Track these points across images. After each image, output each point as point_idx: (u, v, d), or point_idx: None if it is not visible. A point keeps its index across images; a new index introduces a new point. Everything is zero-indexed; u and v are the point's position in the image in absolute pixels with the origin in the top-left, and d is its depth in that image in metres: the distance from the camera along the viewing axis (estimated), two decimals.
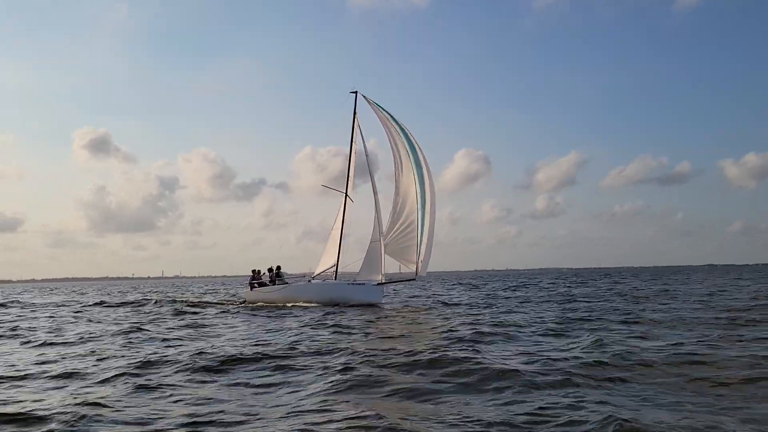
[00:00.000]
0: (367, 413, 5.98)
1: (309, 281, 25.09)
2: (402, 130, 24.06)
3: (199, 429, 5.69)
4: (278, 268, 25.77)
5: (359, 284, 23.18)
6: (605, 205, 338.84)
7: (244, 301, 26.57)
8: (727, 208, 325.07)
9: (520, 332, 12.73)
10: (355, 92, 25.98)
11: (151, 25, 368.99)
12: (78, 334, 14.73)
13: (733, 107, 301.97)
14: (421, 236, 22.79)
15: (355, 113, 26.06)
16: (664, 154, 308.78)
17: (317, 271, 25.58)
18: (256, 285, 25.90)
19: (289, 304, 23.73)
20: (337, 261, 24.76)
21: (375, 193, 24.13)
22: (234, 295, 35.41)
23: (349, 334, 13.20)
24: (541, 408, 6.17)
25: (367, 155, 24.99)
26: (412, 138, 23.93)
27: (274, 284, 25.18)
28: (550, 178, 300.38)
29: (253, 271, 26.32)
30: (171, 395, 7.18)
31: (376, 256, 23.75)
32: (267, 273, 25.84)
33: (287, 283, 25.10)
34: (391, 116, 24.50)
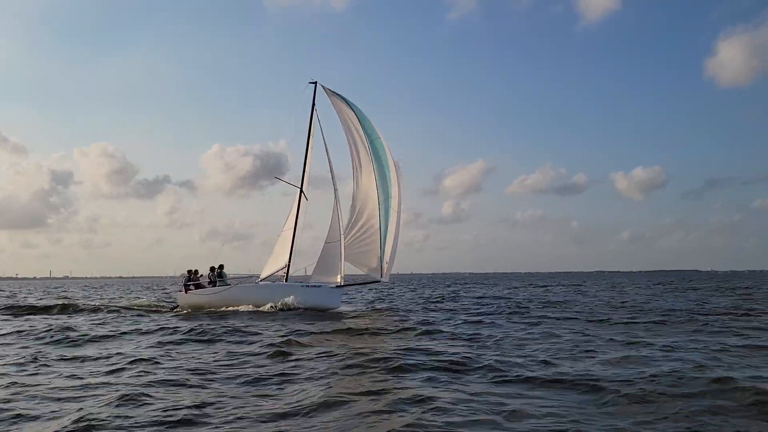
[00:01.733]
0: None
1: (256, 283, 22.61)
2: (368, 125, 22.20)
3: None
4: (220, 267, 23.09)
5: (315, 286, 21.01)
6: (509, 211, 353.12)
7: (176, 307, 23.63)
8: (618, 218, 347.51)
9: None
10: (315, 83, 23.94)
11: (52, 12, 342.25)
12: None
13: (626, 123, 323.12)
14: (385, 237, 20.99)
15: (314, 105, 24.00)
16: (563, 165, 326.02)
17: (265, 273, 23.13)
18: (192, 287, 23.04)
19: (231, 308, 21.21)
20: (289, 262, 22.47)
21: (335, 190, 22.16)
22: (160, 300, 31.69)
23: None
24: None
25: (327, 150, 22.93)
26: (379, 134, 22.11)
27: (215, 285, 22.49)
28: (458, 184, 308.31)
29: (189, 271, 23.42)
30: None
31: (332, 258, 21.76)
32: (207, 274, 23.07)
33: (229, 284, 22.50)
34: (356, 109, 22.59)
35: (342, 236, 21.33)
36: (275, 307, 20.70)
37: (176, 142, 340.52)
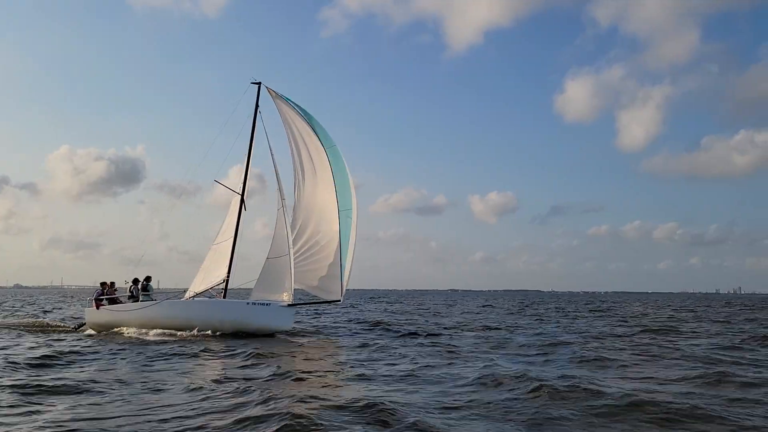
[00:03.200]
0: None
1: (191, 299, 19.81)
2: (322, 132, 20.53)
3: None
4: (147, 279, 20.01)
5: (262, 304, 18.75)
6: (372, 229, 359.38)
7: (81, 326, 20.13)
8: (472, 239, 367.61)
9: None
10: (258, 83, 21.89)
11: None
12: None
13: (484, 149, 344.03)
14: (346, 253, 19.33)
15: (257, 107, 21.87)
16: (424, 186, 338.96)
17: (199, 288, 20.31)
18: (105, 302, 19.71)
19: (154, 331, 18.27)
20: (228, 275, 20.01)
21: (282, 199, 20.05)
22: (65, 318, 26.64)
23: None
24: None
25: (273, 157, 20.84)
26: (331, 140, 20.53)
27: (136, 301, 19.41)
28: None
29: (103, 284, 19.99)
30: None
31: (277, 275, 19.60)
32: (130, 285, 19.86)
33: (154, 300, 19.53)
34: (306, 114, 20.88)
35: (291, 251, 19.34)
36: (212, 329, 18.21)
37: (17, 141, 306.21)
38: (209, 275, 20.96)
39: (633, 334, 19.89)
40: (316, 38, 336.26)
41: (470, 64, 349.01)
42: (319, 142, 20.52)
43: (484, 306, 51.96)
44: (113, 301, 19.76)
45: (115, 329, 19.00)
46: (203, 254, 21.62)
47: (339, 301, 19.10)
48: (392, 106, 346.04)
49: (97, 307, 19.53)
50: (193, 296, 19.73)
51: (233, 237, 20.50)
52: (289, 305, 18.63)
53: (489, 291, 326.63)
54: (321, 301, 19.58)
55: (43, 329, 20.33)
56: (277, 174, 20.62)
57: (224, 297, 19.91)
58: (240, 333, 18.13)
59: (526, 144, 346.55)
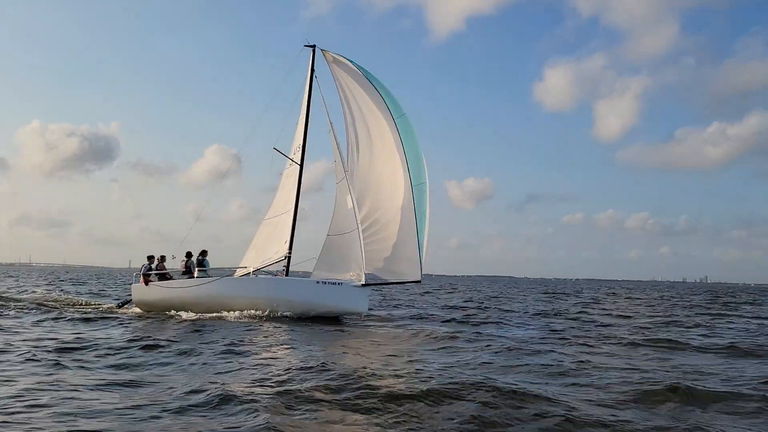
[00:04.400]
0: None
1: (253, 276, 18.13)
2: (386, 95, 18.91)
3: None
4: (203, 254, 18.27)
5: (333, 283, 17.22)
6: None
7: (126, 303, 18.43)
8: (449, 225, 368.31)
9: None
10: (313, 46, 20.25)
11: None
12: None
13: (462, 135, 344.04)
14: (422, 230, 17.79)
15: (312, 71, 20.24)
16: None
17: (254, 265, 18.67)
18: (154, 278, 17.96)
19: (211, 313, 16.62)
20: (290, 252, 18.39)
21: (346, 171, 18.48)
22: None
23: None
24: None
25: (331, 124, 19.19)
26: (401, 108, 18.93)
27: (191, 277, 17.70)
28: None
29: (150, 257, 18.17)
30: None
31: (340, 252, 18.10)
32: (184, 260, 18.10)
33: (208, 276, 17.82)
34: (369, 76, 19.23)
35: (360, 226, 17.76)
36: (275, 311, 16.63)
37: None
38: (263, 252, 19.38)
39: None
40: (296, 18, 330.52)
41: (451, 50, 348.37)
42: (387, 111, 18.90)
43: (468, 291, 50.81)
44: (163, 277, 18.00)
45: (168, 309, 17.27)
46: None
47: (419, 281, 17.64)
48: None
49: (146, 284, 17.76)
50: (251, 273, 18.07)
51: (293, 211, 18.89)
52: (363, 285, 17.08)
53: (462, 276, 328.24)
54: (399, 281, 18.02)
55: (80, 307, 18.52)
56: (337, 145, 19.00)
57: (287, 275, 18.32)
58: (307, 316, 16.66)
59: (505, 131, 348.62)
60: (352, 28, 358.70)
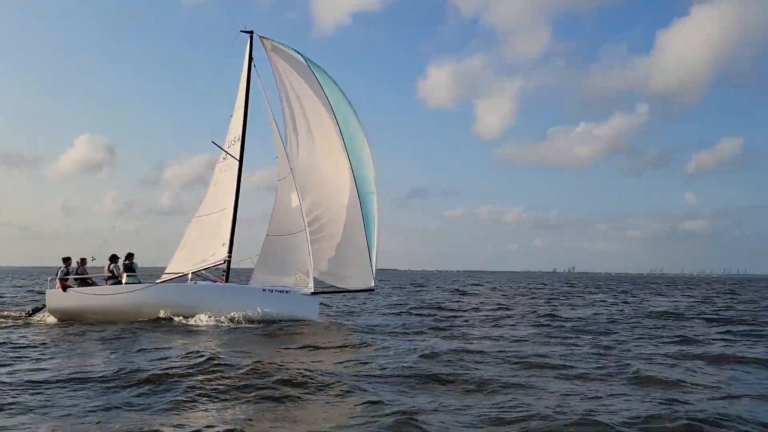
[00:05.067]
0: None
1: (192, 282, 16.50)
2: (337, 94, 17.97)
3: None
4: (129, 256, 16.35)
5: (281, 291, 16.07)
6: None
7: (37, 310, 16.18)
8: None
9: None
10: (250, 32, 18.84)
11: None
12: None
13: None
14: (371, 235, 17.06)
15: (251, 59, 18.80)
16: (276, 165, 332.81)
17: (186, 269, 17.02)
18: (73, 283, 15.84)
19: (137, 319, 14.99)
20: (230, 255, 16.97)
21: (291, 168, 17.34)
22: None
23: None
24: None
25: (274, 119, 17.93)
26: (346, 96, 18.07)
27: (118, 282, 15.82)
28: (180, 175, 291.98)
29: (67, 260, 15.99)
30: None
31: (282, 254, 17.01)
32: (109, 264, 16.09)
33: (139, 281, 16.03)
34: (317, 70, 18.20)
35: (306, 228, 16.76)
36: (219, 317, 15.29)
37: None
38: (196, 254, 17.77)
39: None
40: (177, 6, 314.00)
41: (336, 44, 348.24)
42: (329, 108, 17.91)
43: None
44: (84, 282, 15.95)
45: (92, 318, 15.32)
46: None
47: (373, 289, 16.90)
48: (233, 85, 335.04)
49: (64, 289, 15.63)
50: (181, 279, 16.51)
51: (232, 210, 17.48)
52: (313, 293, 16.08)
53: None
54: (352, 289, 17.22)
55: None
56: (280, 137, 17.88)
57: (227, 280, 16.93)
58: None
59: (389, 126, 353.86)
60: (235, 18, 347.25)
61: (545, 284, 57.58)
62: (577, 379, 8.50)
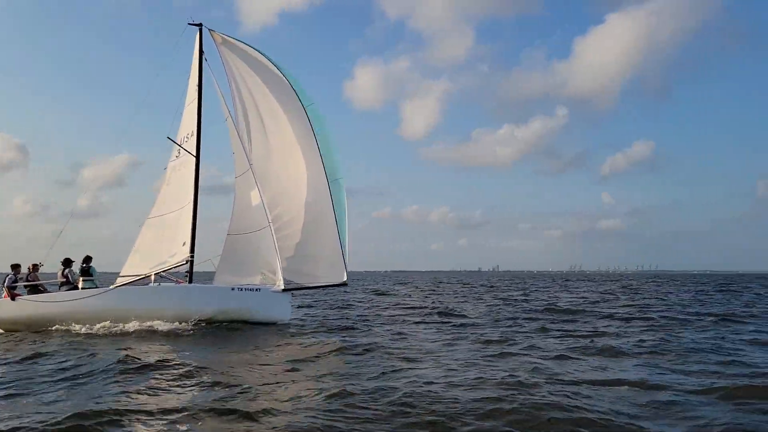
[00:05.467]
0: None
1: (156, 284, 15.67)
2: (299, 86, 17.68)
3: None
4: (87, 260, 15.36)
5: (250, 290, 15.59)
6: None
7: None
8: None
9: None
10: (199, 25, 18.30)
11: None
12: None
13: None
14: (343, 229, 16.79)
15: (201, 51, 18.22)
16: (215, 165, 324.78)
17: (141, 271, 16.17)
18: (22, 291, 14.71)
19: (97, 324, 14.14)
20: (192, 254, 16.28)
21: (251, 164, 16.92)
22: None
23: None
24: None
25: (229, 111, 17.56)
26: (309, 97, 17.77)
27: (74, 288, 14.85)
28: (98, 176, 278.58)
29: (15, 266, 14.80)
30: None
31: (245, 252, 16.59)
32: (62, 269, 15.05)
33: (97, 285, 15.12)
34: (275, 63, 17.84)
35: (270, 224, 16.36)
36: (188, 320, 14.68)
37: None
38: (154, 255, 16.95)
39: None
40: (95, 2, 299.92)
41: (263, 44, 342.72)
42: (292, 99, 17.60)
43: None
44: (35, 289, 14.87)
45: (44, 326, 14.32)
46: None
47: (345, 283, 16.68)
48: (179, 80, 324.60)
49: (12, 298, 14.50)
50: (141, 281, 15.72)
51: (191, 208, 16.84)
52: (283, 290, 15.72)
53: None
54: (322, 285, 16.84)
55: None
56: (239, 134, 17.46)
57: (190, 281, 16.27)
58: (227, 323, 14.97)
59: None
60: (158, 15, 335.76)
61: (467, 284, 58.51)
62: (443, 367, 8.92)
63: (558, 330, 14.02)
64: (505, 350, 10.60)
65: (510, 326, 15.10)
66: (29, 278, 14.80)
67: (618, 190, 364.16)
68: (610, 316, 17.93)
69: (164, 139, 18.03)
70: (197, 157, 17.36)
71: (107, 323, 14.23)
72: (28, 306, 14.42)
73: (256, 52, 17.86)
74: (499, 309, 21.34)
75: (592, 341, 11.73)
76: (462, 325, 15.50)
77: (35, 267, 15.00)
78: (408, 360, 9.58)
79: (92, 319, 14.30)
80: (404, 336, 12.97)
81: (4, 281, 14.61)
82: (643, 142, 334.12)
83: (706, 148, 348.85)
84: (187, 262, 16.16)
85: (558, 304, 23.14)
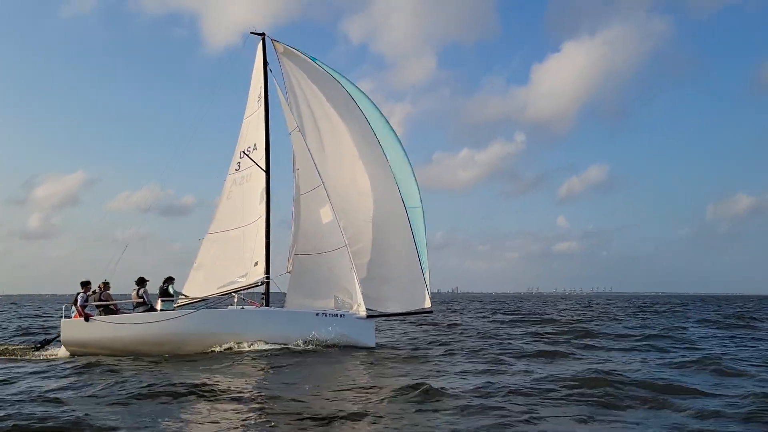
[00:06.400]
0: None
1: (239, 307, 14.69)
2: (371, 106, 16.97)
3: None
4: (169, 280, 14.33)
5: (335, 315, 14.71)
6: (108, 228, 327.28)
7: (46, 342, 13.76)
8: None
9: None
10: (262, 34, 17.72)
11: None
12: None
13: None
14: (423, 256, 15.77)
15: (266, 63, 17.60)
16: (172, 186, 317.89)
17: (216, 292, 15.22)
18: (96, 311, 13.58)
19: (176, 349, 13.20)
20: (268, 275, 15.42)
21: (322, 182, 15.98)
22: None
23: None
24: None
25: (299, 125, 16.80)
26: (384, 118, 17.11)
27: (149, 309, 13.81)
28: (51, 194, 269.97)
29: (86, 284, 13.65)
30: None
31: (315, 274, 15.66)
32: (137, 289, 13.97)
33: (174, 309, 14.08)
34: (345, 82, 17.14)
35: (347, 244, 15.56)
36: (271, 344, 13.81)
37: None
38: (218, 275, 16.05)
39: None
40: (53, 15, 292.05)
41: (226, 64, 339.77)
42: (361, 117, 16.82)
43: None
44: (108, 309, 13.76)
45: (119, 351, 13.20)
46: None
47: (431, 311, 15.90)
48: (141, 98, 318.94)
49: (85, 318, 13.35)
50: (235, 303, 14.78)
51: (265, 225, 16.04)
52: (368, 316, 14.79)
53: None
54: (408, 312, 16.01)
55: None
56: (309, 150, 16.63)
57: (267, 304, 15.37)
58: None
59: (279, 150, 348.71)
60: (119, 31, 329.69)
61: None
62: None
63: None
64: None
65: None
66: (102, 297, 13.68)
67: (574, 212, 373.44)
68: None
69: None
70: (267, 171, 16.58)
71: (189, 347, 13.29)
72: (104, 327, 13.29)
73: (319, 65, 17.18)
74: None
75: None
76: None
77: (106, 285, 13.89)
78: None
79: (172, 342, 13.31)
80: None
81: (75, 300, 13.48)
82: (599, 165, 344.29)
83: (658, 173, 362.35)
84: (262, 284, 15.31)
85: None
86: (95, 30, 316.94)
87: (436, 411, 7.52)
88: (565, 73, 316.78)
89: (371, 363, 12.39)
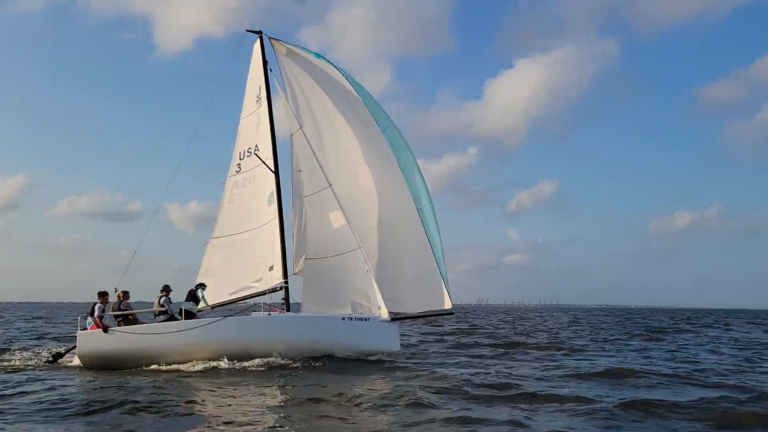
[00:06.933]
0: None
1: (266, 314, 14.21)
2: (375, 105, 16.84)
3: None
4: (201, 286, 14.00)
5: (360, 319, 14.30)
6: (50, 234, 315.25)
7: (59, 354, 13.21)
8: (168, 249, 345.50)
9: None
10: (259, 32, 17.46)
11: None
12: None
13: (195, 157, 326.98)
14: (440, 258, 15.48)
15: (266, 62, 17.33)
16: (120, 191, 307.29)
17: (229, 298, 14.86)
18: (114, 322, 13.04)
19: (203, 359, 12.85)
20: (286, 280, 15.15)
21: (329, 184, 15.68)
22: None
23: None
24: None
25: (301, 126, 16.52)
26: (387, 117, 17.02)
27: (171, 318, 13.37)
28: None
29: (103, 294, 13.06)
30: None
31: (334, 278, 15.40)
32: (160, 296, 13.49)
33: (197, 317, 13.66)
34: (350, 79, 16.99)
35: (361, 246, 15.36)
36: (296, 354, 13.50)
37: None
38: (229, 280, 15.69)
39: None
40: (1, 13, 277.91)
41: (179, 69, 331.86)
42: (368, 119, 16.58)
43: None
44: (127, 319, 13.26)
45: (139, 363, 12.73)
46: None
47: (452, 312, 15.87)
48: (86, 102, 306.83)
49: (104, 329, 12.80)
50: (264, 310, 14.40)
51: (278, 227, 15.75)
52: (392, 319, 14.48)
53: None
54: (431, 314, 15.70)
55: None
56: (313, 151, 16.39)
57: (288, 309, 15.07)
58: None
59: (229, 156, 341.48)
60: (65, 33, 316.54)
61: None
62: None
63: None
64: None
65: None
66: (120, 307, 13.18)
67: (523, 226, 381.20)
68: None
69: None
70: (276, 172, 16.30)
71: (216, 357, 12.96)
72: (124, 339, 12.67)
73: (326, 62, 16.95)
74: None
75: None
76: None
77: (125, 294, 13.33)
78: None
79: (197, 353, 12.90)
80: None
81: (92, 311, 12.90)
82: (547, 181, 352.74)
83: (603, 189, 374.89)
84: (280, 289, 15.05)
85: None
86: (41, 31, 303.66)
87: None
88: (517, 90, 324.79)
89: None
